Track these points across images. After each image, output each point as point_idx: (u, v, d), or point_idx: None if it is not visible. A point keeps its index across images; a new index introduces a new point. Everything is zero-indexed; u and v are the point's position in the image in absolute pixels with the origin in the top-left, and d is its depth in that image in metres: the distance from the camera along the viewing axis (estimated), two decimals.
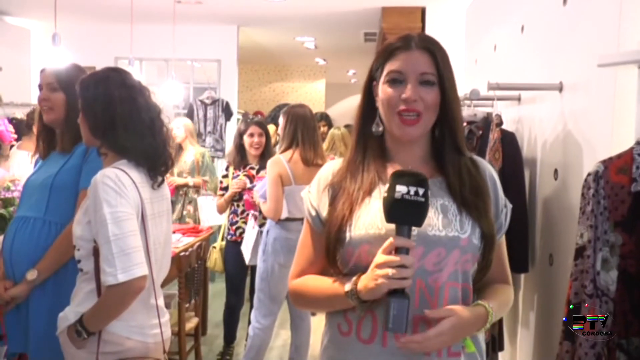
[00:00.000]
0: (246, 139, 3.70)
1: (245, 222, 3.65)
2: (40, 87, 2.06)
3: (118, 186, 1.62)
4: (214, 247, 3.84)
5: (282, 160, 3.17)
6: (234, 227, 3.73)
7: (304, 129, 3.20)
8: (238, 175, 3.73)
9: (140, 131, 1.73)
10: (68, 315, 1.71)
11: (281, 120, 3.30)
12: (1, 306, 1.94)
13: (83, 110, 1.76)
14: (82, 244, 1.68)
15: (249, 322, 3.42)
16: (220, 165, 6.30)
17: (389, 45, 1.26)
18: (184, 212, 4.71)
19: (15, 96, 5.47)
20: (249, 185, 3.62)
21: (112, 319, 1.66)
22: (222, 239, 3.82)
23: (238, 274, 3.75)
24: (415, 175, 1.11)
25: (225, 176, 3.81)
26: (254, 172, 3.73)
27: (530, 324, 2.41)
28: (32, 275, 1.89)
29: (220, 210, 3.83)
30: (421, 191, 1.09)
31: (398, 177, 1.11)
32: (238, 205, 3.71)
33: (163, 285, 3.39)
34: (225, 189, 3.76)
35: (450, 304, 1.18)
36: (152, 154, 1.76)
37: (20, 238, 1.96)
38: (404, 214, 1.10)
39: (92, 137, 1.76)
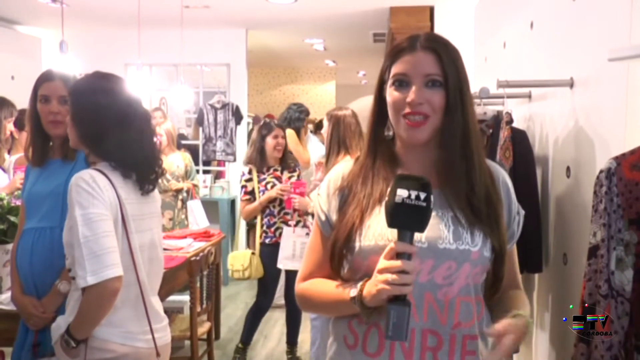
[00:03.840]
0: (270, 141, 3.72)
1: (284, 223, 3.65)
2: (47, 97, 1.98)
3: (92, 187, 1.62)
4: (253, 254, 3.71)
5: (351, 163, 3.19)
6: (272, 229, 3.67)
7: (347, 133, 3.23)
8: (265, 179, 3.73)
9: (127, 141, 1.72)
10: (60, 325, 1.70)
11: (327, 124, 3.31)
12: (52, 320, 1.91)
13: (72, 117, 1.75)
14: (69, 251, 1.68)
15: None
16: (232, 169, 6.33)
17: (395, 47, 1.24)
18: (182, 216, 4.75)
19: (27, 104, 5.53)
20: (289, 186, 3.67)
21: (95, 324, 1.64)
22: (260, 243, 3.73)
23: (272, 276, 3.73)
24: (417, 179, 1.07)
25: (249, 180, 3.77)
26: (278, 173, 3.75)
27: (545, 325, 2.37)
28: (65, 287, 1.87)
29: (251, 216, 3.76)
30: (422, 195, 1.05)
31: (400, 181, 1.07)
32: (274, 207, 3.69)
33: (174, 290, 3.44)
34: (250, 192, 3.74)
35: (462, 318, 1.16)
36: (140, 164, 1.75)
37: (39, 249, 1.92)
38: (405, 218, 1.06)
39: (80, 143, 1.76)
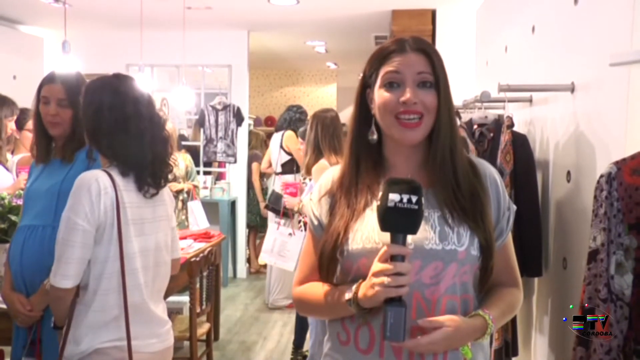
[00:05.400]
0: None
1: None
2: (47, 99, 2.02)
3: (89, 192, 1.65)
4: None
5: (328, 166, 3.24)
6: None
7: (323, 135, 3.31)
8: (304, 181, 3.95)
9: (124, 140, 1.74)
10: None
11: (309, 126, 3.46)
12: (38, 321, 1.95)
13: (81, 114, 1.81)
14: None
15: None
16: (233, 170, 6.33)
17: (382, 50, 1.24)
18: (182, 217, 4.77)
19: (28, 104, 5.55)
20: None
21: (56, 316, 1.75)
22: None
23: None
24: (408, 183, 1.09)
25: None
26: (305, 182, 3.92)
27: (544, 329, 2.37)
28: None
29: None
30: (414, 198, 1.07)
31: (390, 185, 1.09)
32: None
33: (174, 290, 3.44)
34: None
35: None
36: (138, 164, 1.76)
37: (29, 247, 1.95)
38: (398, 222, 1.08)
39: (86, 139, 1.81)
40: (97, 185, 1.66)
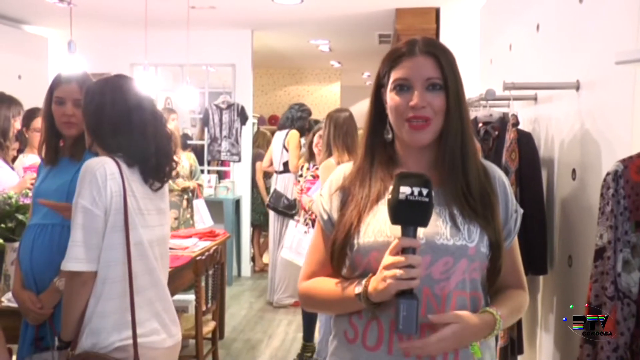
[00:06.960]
0: (316, 139, 4.02)
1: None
2: (62, 100, 2.02)
3: (94, 176, 1.67)
4: None
5: (335, 164, 3.29)
6: None
7: (336, 134, 3.40)
8: (306, 175, 4.06)
9: (128, 133, 1.77)
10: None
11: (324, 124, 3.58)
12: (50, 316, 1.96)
13: (82, 111, 1.84)
14: None
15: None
16: (237, 169, 6.34)
17: (394, 51, 1.27)
18: (187, 216, 4.79)
19: (33, 104, 5.58)
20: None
21: (70, 311, 1.71)
22: None
23: None
24: (419, 177, 1.11)
25: (301, 175, 4.20)
26: (318, 172, 3.94)
27: (550, 326, 2.37)
28: (63, 284, 1.88)
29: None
30: (425, 191, 1.09)
31: (402, 179, 1.11)
32: None
33: (179, 289, 3.46)
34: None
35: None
36: (142, 157, 1.79)
37: (39, 246, 1.96)
38: (409, 214, 1.10)
39: (87, 136, 1.84)
40: (104, 170, 1.68)
